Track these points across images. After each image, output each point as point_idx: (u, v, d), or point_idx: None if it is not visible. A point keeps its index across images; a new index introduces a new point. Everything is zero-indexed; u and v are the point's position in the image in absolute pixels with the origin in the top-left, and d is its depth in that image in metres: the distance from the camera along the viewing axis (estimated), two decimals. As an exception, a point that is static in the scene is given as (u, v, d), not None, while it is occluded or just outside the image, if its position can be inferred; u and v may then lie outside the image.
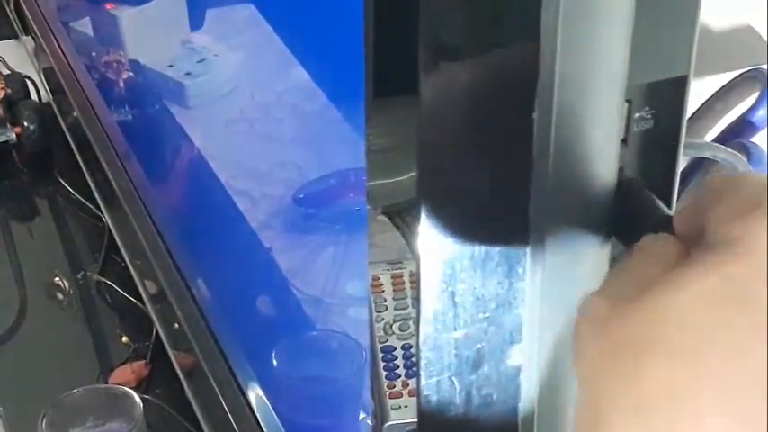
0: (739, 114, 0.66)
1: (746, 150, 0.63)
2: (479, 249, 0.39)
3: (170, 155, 0.94)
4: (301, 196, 0.71)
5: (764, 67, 0.67)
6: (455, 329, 0.40)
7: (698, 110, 0.69)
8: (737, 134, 0.65)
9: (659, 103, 0.41)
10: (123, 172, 1.00)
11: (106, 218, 1.07)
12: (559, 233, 0.40)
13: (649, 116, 0.41)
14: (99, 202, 1.10)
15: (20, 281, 1.19)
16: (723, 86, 0.68)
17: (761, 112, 0.64)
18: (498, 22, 0.35)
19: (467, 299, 0.41)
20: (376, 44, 0.42)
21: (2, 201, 1.30)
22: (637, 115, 0.41)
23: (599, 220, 0.41)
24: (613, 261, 0.44)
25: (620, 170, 0.41)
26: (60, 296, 1.13)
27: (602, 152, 0.40)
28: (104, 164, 1.03)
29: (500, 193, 0.38)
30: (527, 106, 0.36)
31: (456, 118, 0.37)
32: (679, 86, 0.41)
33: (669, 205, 0.43)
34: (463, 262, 0.39)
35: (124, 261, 1.04)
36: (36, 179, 1.32)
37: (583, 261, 0.41)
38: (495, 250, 0.39)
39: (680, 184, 0.67)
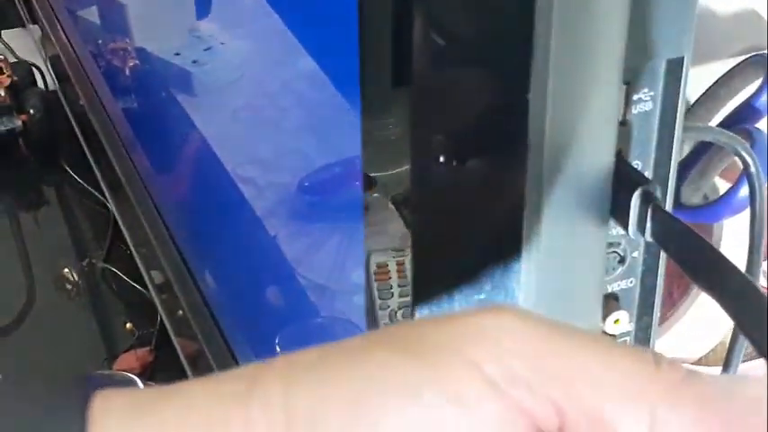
0: (743, 100, 0.66)
1: (750, 136, 0.62)
2: (475, 231, 0.39)
3: (175, 143, 0.94)
4: (307, 184, 0.71)
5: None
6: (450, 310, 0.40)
7: (702, 95, 0.68)
8: (741, 119, 0.65)
9: (658, 85, 0.41)
10: (128, 160, 1.00)
11: (111, 206, 1.07)
12: (556, 213, 0.39)
13: (648, 98, 0.41)
14: (104, 189, 1.10)
15: (27, 268, 1.19)
16: (727, 72, 0.67)
17: (764, 98, 0.63)
18: (492, 1, 0.35)
19: (463, 280, 0.41)
20: (395, 33, 0.42)
21: (8, 188, 1.31)
22: (635, 97, 0.41)
23: (596, 202, 0.40)
24: (610, 244, 0.44)
25: (619, 152, 0.41)
26: (66, 284, 1.13)
27: (600, 134, 0.39)
28: (110, 152, 1.04)
29: (496, 174, 0.38)
30: (521, 87, 0.35)
31: (451, 100, 0.37)
32: (677, 68, 0.40)
33: (666, 186, 0.42)
34: (459, 244, 0.39)
35: (129, 249, 1.05)
36: (42, 167, 1.32)
37: (580, 241, 0.41)
38: (491, 231, 0.39)
39: (683, 169, 0.67)
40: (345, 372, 0.25)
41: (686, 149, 0.69)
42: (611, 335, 0.45)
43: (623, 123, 0.41)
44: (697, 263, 0.36)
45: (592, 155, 0.40)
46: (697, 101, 0.69)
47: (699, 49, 0.72)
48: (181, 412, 0.27)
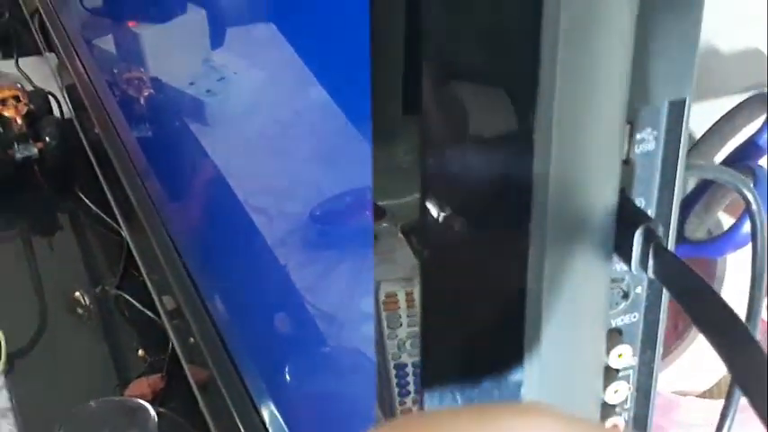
0: (747, 137, 0.67)
1: (752, 173, 0.63)
2: (481, 264, 0.41)
3: (189, 171, 0.95)
4: (318, 213, 0.72)
5: (772, 90, 0.67)
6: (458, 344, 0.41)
7: (706, 132, 0.70)
8: (745, 156, 0.66)
9: (660, 125, 0.42)
10: (142, 188, 1.01)
11: (125, 233, 1.09)
12: (560, 251, 0.41)
13: (651, 138, 0.42)
14: (118, 217, 1.11)
15: (40, 294, 1.20)
16: (731, 109, 0.69)
17: (767, 135, 0.65)
18: (498, 40, 0.36)
19: (470, 315, 0.42)
20: (406, 62, 0.43)
21: (23, 214, 1.32)
22: (638, 136, 0.42)
23: (600, 239, 0.42)
24: (614, 280, 0.45)
25: (622, 190, 0.42)
26: (79, 310, 1.14)
27: (604, 172, 0.41)
28: (124, 180, 1.05)
29: (500, 211, 0.39)
30: (527, 126, 0.37)
31: (456, 138, 0.38)
32: (680, 109, 0.42)
33: (669, 224, 0.44)
34: (464, 279, 0.40)
35: (142, 276, 1.06)
36: (57, 194, 1.34)
37: (584, 278, 0.42)
38: (496, 265, 0.40)
39: (686, 206, 0.68)
40: None
41: (691, 185, 0.70)
42: (614, 369, 0.46)
43: (626, 162, 0.42)
44: (696, 304, 0.37)
45: (595, 193, 0.41)
46: (701, 137, 0.70)
47: (703, 85, 0.73)
48: None
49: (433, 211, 0.38)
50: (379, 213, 0.70)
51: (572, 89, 0.37)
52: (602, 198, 0.41)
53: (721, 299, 0.36)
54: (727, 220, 0.68)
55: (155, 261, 0.96)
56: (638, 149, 0.42)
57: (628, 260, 0.41)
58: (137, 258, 1.04)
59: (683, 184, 0.65)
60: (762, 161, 0.66)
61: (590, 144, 0.39)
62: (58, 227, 1.32)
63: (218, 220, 0.88)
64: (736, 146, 0.68)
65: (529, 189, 0.39)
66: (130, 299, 1.09)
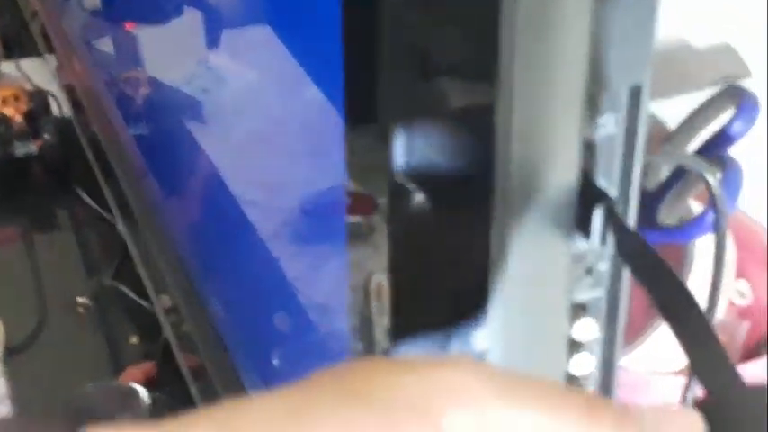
0: (718, 128, 0.69)
1: (723, 161, 0.66)
2: (448, 243, 0.43)
3: (185, 169, 0.97)
4: (307, 207, 0.74)
5: (740, 83, 0.70)
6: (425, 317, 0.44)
7: (680, 123, 0.72)
8: (717, 146, 0.68)
9: (620, 109, 0.44)
10: (139, 185, 1.04)
11: (121, 227, 1.11)
12: (524, 226, 0.43)
13: (611, 122, 0.45)
14: (114, 212, 1.14)
15: (39, 286, 1.23)
16: (703, 102, 0.71)
17: (736, 126, 0.67)
18: (459, 29, 0.38)
19: (436, 290, 0.44)
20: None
21: (22, 211, 1.35)
22: (599, 120, 0.44)
23: (562, 216, 0.44)
24: (578, 256, 0.47)
25: (585, 172, 0.45)
26: (76, 302, 1.17)
27: (564, 153, 0.43)
28: (120, 176, 1.07)
29: (465, 189, 0.42)
30: (489, 109, 0.39)
31: (424, 122, 0.40)
32: (638, 94, 0.44)
33: (628, 203, 0.46)
34: (430, 254, 0.43)
35: (136, 268, 1.08)
36: (55, 190, 1.37)
37: (546, 252, 0.45)
38: (463, 244, 0.43)
39: (661, 192, 0.70)
40: (323, 423, 0.27)
41: (664, 174, 0.72)
42: (578, 341, 0.48)
43: (589, 145, 0.45)
44: (647, 268, 0.40)
45: (557, 172, 0.43)
46: (676, 129, 0.72)
47: (677, 79, 0.76)
48: None
49: (401, 189, 0.41)
50: (372, 207, 0.72)
51: (530, 74, 0.40)
52: (564, 178, 0.44)
53: (675, 275, 0.39)
54: (697, 208, 0.70)
55: (149, 254, 0.99)
56: (599, 133, 0.45)
57: (589, 236, 0.44)
58: (132, 251, 1.07)
59: (657, 170, 0.68)
60: (732, 150, 0.68)
61: (550, 127, 0.42)
62: (57, 222, 1.35)
63: (210, 213, 0.90)
64: (708, 136, 0.70)
65: (492, 169, 0.41)
66: (126, 290, 1.11)
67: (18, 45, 1.66)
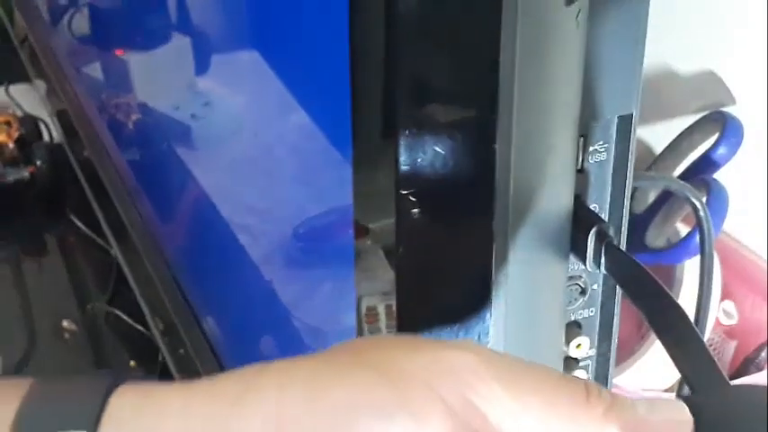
0: (703, 152, 0.72)
1: (707, 185, 0.68)
2: (450, 268, 0.45)
3: (177, 193, 0.98)
4: (301, 231, 0.75)
5: (725, 110, 0.72)
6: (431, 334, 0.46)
7: (666, 148, 0.75)
8: (701, 170, 0.71)
9: (611, 137, 0.46)
10: (133, 208, 1.05)
11: (115, 251, 1.13)
12: (522, 250, 0.45)
13: (603, 149, 0.47)
14: (109, 237, 1.15)
15: (30, 312, 1.24)
16: (688, 127, 0.74)
17: (721, 150, 0.70)
18: (460, 61, 0.40)
19: (442, 312, 0.46)
20: (386, 84, 0.47)
21: (15, 237, 1.36)
22: (591, 148, 0.46)
23: (557, 239, 0.46)
24: (572, 278, 0.49)
25: (577, 196, 0.47)
26: (69, 327, 1.18)
27: (560, 180, 0.45)
28: (115, 200, 1.09)
29: (468, 217, 0.43)
30: (489, 138, 0.41)
31: (429, 148, 0.42)
32: (628, 122, 0.46)
33: (620, 226, 0.48)
34: (437, 282, 0.44)
35: (132, 292, 1.09)
36: (48, 216, 1.38)
37: (543, 274, 0.47)
38: (465, 266, 0.45)
39: (649, 215, 0.72)
40: (333, 390, 0.30)
41: (651, 198, 0.75)
42: (574, 358, 0.50)
43: (581, 171, 0.47)
44: (639, 287, 0.42)
45: (553, 198, 0.45)
46: (661, 153, 0.75)
47: (663, 106, 0.79)
48: (183, 408, 0.32)
49: (405, 208, 0.43)
50: (362, 232, 0.74)
51: (529, 106, 0.42)
52: (559, 203, 0.46)
53: (665, 290, 0.41)
54: (684, 230, 0.73)
55: (145, 277, 1.00)
56: (591, 160, 0.47)
57: (583, 258, 0.46)
58: (127, 274, 1.08)
59: (645, 194, 0.70)
60: (716, 174, 0.71)
61: (547, 155, 0.44)
62: (49, 248, 1.36)
63: (205, 237, 0.92)
64: (693, 161, 0.73)
65: (492, 195, 0.43)
66: (121, 314, 1.13)
67: (7, 71, 1.67)
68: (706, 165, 0.70)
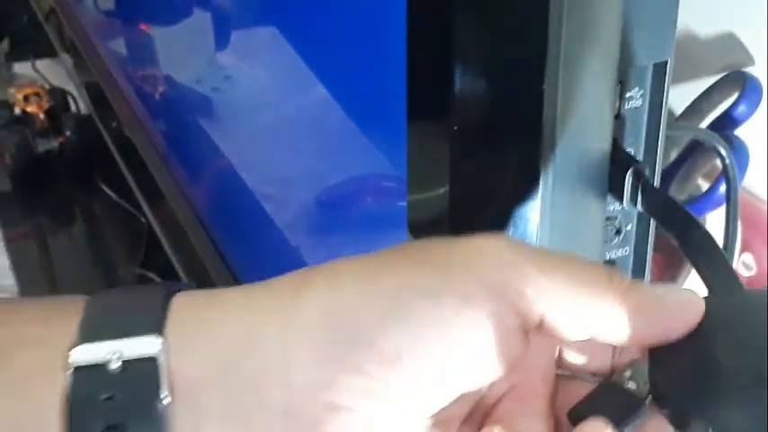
0: (723, 111, 0.75)
1: (729, 140, 0.71)
2: (496, 203, 0.48)
3: (205, 164, 1.01)
4: (324, 199, 0.78)
5: (744, 69, 0.75)
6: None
7: (687, 108, 0.78)
8: (722, 127, 0.74)
9: (646, 84, 0.50)
10: (167, 173, 1.08)
11: (148, 215, 1.16)
12: (563, 190, 0.48)
13: (638, 95, 0.50)
14: (141, 203, 1.18)
15: (60, 282, 1.27)
16: (708, 88, 0.77)
17: (741, 108, 0.73)
18: (513, 13, 0.44)
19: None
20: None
21: (45, 206, 1.40)
22: (627, 94, 0.50)
23: (596, 180, 0.50)
24: (608, 218, 0.53)
25: (614, 140, 0.50)
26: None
27: (599, 123, 0.49)
28: (150, 166, 1.12)
29: (514, 151, 0.47)
30: (538, 80, 0.45)
31: (482, 97, 0.46)
32: (662, 69, 0.49)
33: (654, 168, 0.51)
34: (483, 213, 0.48)
35: (162, 258, 1.13)
36: (77, 186, 1.41)
37: (583, 213, 0.50)
38: (510, 205, 0.48)
39: (671, 171, 0.76)
40: (382, 278, 0.33)
41: (673, 155, 0.78)
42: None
43: (618, 117, 0.50)
44: (673, 219, 0.45)
45: (592, 140, 0.49)
46: (682, 113, 0.78)
47: (683, 67, 0.82)
48: (244, 305, 0.34)
49: (457, 145, 0.46)
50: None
51: (574, 53, 0.45)
52: (598, 146, 0.49)
53: (695, 218, 0.45)
54: (705, 186, 0.76)
55: (180, 240, 1.03)
56: (627, 106, 0.50)
57: (620, 197, 0.49)
58: (161, 238, 1.11)
59: (669, 147, 0.73)
60: (737, 131, 0.74)
61: (588, 101, 0.47)
62: (79, 216, 1.40)
63: (235, 207, 0.94)
64: (713, 119, 0.76)
65: (539, 135, 0.46)
66: (154, 277, 1.16)
67: (32, 46, 1.70)
68: (726, 122, 0.73)
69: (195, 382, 0.32)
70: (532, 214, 0.48)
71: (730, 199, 0.58)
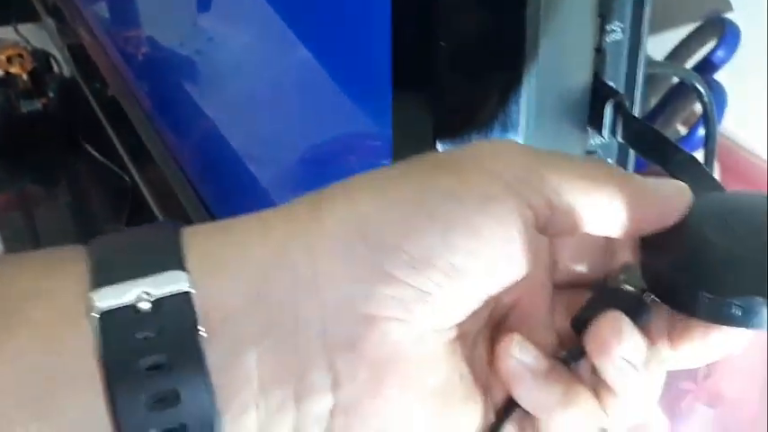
0: (702, 56, 0.76)
1: (709, 84, 0.72)
2: (481, 124, 0.49)
3: (189, 124, 1.02)
4: (309, 157, 0.78)
5: (722, 16, 0.76)
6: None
7: (667, 55, 0.79)
8: (702, 72, 0.75)
9: (626, 17, 0.51)
10: (154, 133, 1.08)
11: (134, 176, 1.16)
12: (544, 124, 0.49)
13: (618, 29, 0.51)
14: (126, 162, 1.19)
15: (44, 242, 1.28)
16: (688, 35, 0.78)
17: (720, 53, 0.74)
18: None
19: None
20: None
21: (29, 167, 1.40)
22: (608, 27, 0.51)
23: (577, 113, 0.51)
24: (588, 152, 0.54)
25: (596, 74, 0.51)
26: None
27: (580, 56, 0.50)
28: (136, 126, 1.12)
29: (496, 87, 0.48)
30: (519, 18, 0.46)
31: (465, 24, 0.47)
32: (641, 4, 0.50)
33: (633, 101, 0.53)
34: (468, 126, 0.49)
35: (147, 217, 1.13)
36: (61, 147, 1.41)
37: (564, 145, 0.51)
38: (497, 131, 0.49)
39: (651, 117, 0.77)
40: (399, 186, 0.33)
41: (653, 102, 0.79)
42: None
43: (598, 50, 0.51)
44: (654, 147, 0.47)
45: (573, 73, 0.50)
46: (663, 60, 0.79)
47: (663, 16, 0.83)
48: (263, 228, 0.33)
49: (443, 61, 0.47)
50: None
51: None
52: (579, 79, 0.50)
53: (669, 139, 0.46)
54: (684, 133, 0.77)
55: (167, 198, 1.04)
56: (608, 39, 0.51)
57: (600, 128, 0.50)
58: (147, 197, 1.12)
59: (647, 91, 0.74)
60: (716, 75, 0.75)
61: (569, 32, 0.48)
62: (65, 176, 1.40)
63: (222, 164, 0.95)
64: (693, 64, 0.77)
65: (520, 70, 0.47)
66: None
67: (15, 10, 1.69)
68: (706, 66, 0.75)
69: (229, 313, 0.31)
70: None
71: (709, 137, 0.60)
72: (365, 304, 0.32)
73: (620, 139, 0.50)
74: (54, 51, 1.51)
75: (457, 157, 0.35)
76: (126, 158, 1.18)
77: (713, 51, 0.74)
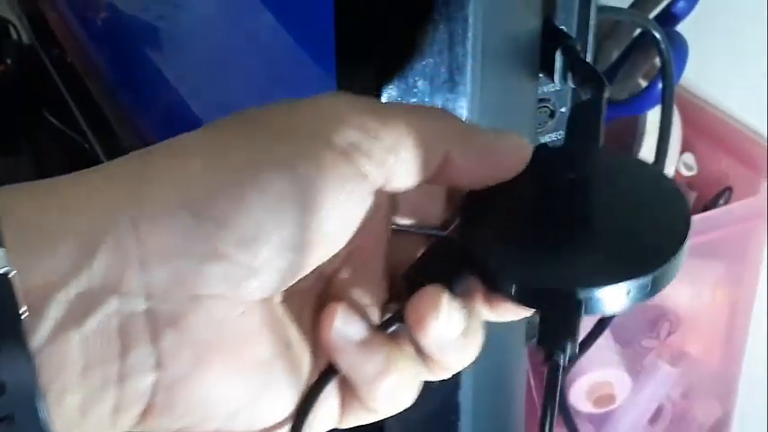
0: (663, 7, 0.75)
1: (670, 36, 0.71)
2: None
3: (150, 91, 1.00)
4: None
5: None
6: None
7: (630, 5, 0.77)
8: (663, 24, 0.74)
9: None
10: (113, 101, 1.07)
11: (94, 144, 1.14)
12: (493, 69, 0.48)
13: (570, -30, 0.49)
14: (86, 129, 1.17)
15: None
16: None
17: (681, 4, 0.73)
18: None
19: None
20: None
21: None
22: (557, -31, 0.49)
23: (527, 59, 0.49)
24: (541, 100, 0.52)
25: (546, 18, 0.49)
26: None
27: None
28: (93, 92, 1.10)
29: (442, 29, 0.46)
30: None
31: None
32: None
33: (586, 45, 0.51)
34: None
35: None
36: (20, 114, 1.39)
37: (514, 95, 0.50)
38: (444, 77, 0.48)
39: (612, 70, 0.75)
40: (233, 153, 0.32)
41: (615, 55, 0.78)
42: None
43: (549, -7, 0.49)
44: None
45: (523, 16, 0.48)
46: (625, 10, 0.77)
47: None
48: (84, 196, 0.30)
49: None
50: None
51: None
52: (529, 23, 0.48)
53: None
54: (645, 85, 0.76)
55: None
56: (558, -18, 0.49)
57: (551, 74, 0.49)
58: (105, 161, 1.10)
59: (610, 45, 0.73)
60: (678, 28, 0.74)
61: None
62: (24, 143, 1.38)
63: (188, 120, 0.94)
64: (655, 14, 0.76)
65: (466, 12, 0.46)
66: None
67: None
68: (669, 18, 0.73)
69: (48, 292, 0.29)
70: (461, 95, 0.48)
71: (666, 88, 0.58)
72: (192, 283, 0.30)
73: (571, 84, 0.49)
74: (13, 18, 1.48)
75: (289, 119, 0.33)
76: (85, 126, 1.16)
77: (674, 2, 0.73)
